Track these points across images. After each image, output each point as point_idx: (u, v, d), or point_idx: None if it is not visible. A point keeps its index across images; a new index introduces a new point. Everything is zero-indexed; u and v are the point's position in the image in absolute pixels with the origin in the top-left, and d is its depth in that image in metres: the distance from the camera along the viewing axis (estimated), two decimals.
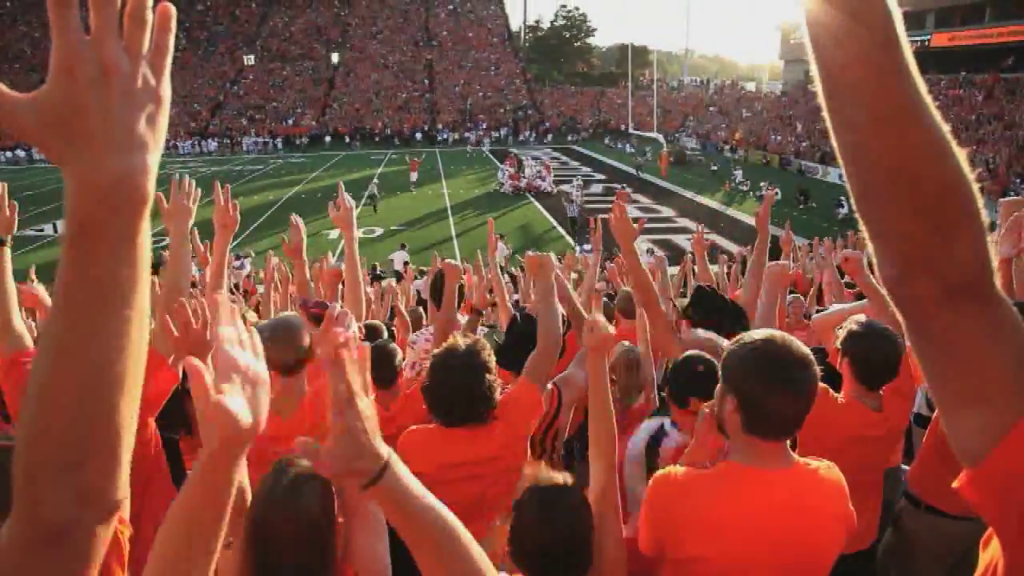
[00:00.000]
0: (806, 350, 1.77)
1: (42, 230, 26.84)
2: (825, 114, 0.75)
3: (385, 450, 1.00)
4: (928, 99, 0.72)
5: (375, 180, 34.54)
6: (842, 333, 2.76)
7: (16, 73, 65.96)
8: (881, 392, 2.75)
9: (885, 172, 0.73)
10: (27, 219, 28.95)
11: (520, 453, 2.58)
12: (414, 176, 33.42)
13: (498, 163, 36.08)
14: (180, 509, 0.99)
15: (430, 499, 1.05)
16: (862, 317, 2.81)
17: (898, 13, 0.69)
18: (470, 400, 2.43)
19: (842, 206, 26.54)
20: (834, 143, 0.76)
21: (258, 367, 0.95)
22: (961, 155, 0.74)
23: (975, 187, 0.75)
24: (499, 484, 2.46)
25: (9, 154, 53.46)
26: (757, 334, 1.82)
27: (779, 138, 45.46)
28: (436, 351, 2.54)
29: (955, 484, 0.86)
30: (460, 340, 2.53)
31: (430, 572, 1.09)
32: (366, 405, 0.97)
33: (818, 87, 0.75)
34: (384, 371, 3.10)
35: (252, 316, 5.35)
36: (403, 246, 19.63)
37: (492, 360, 2.51)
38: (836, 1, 0.68)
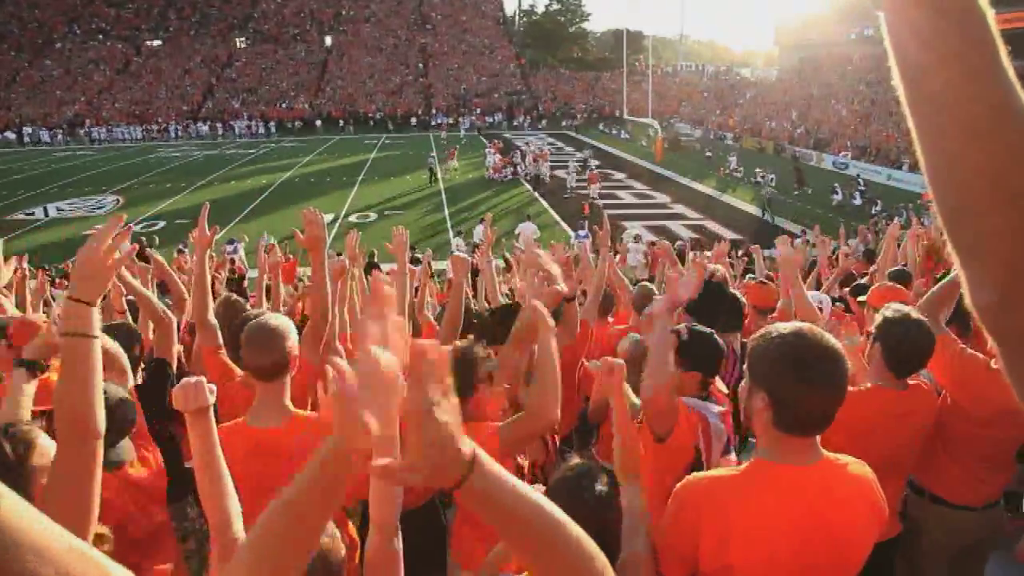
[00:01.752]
0: (836, 343, 1.73)
1: (32, 213, 26.64)
2: (910, 124, 0.68)
3: (469, 450, 0.90)
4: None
5: (432, 154, 35.32)
6: (877, 318, 2.75)
7: (4, 53, 65.20)
8: (908, 381, 2.75)
9: (986, 184, 0.64)
10: (17, 202, 28.73)
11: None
12: (453, 163, 33.44)
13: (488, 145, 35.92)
14: (285, 505, 0.99)
15: (523, 491, 0.96)
16: (897, 304, 2.79)
17: (989, 8, 0.64)
18: None
19: (837, 193, 26.57)
20: (920, 158, 0.68)
21: (395, 369, 0.90)
22: None
23: None
24: None
25: (0, 136, 52.97)
26: (784, 328, 1.76)
27: (773, 124, 45.41)
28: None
29: None
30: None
31: (536, 568, 1.01)
32: (446, 408, 0.87)
33: (901, 93, 0.69)
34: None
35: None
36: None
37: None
38: None
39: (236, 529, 1.71)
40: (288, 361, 2.51)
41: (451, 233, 22.11)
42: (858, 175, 29.29)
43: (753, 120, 48.31)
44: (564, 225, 22.69)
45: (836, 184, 27.74)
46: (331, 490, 0.98)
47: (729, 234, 21.30)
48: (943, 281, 2.94)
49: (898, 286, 4.53)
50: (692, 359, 2.60)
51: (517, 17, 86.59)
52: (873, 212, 23.12)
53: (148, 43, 69.04)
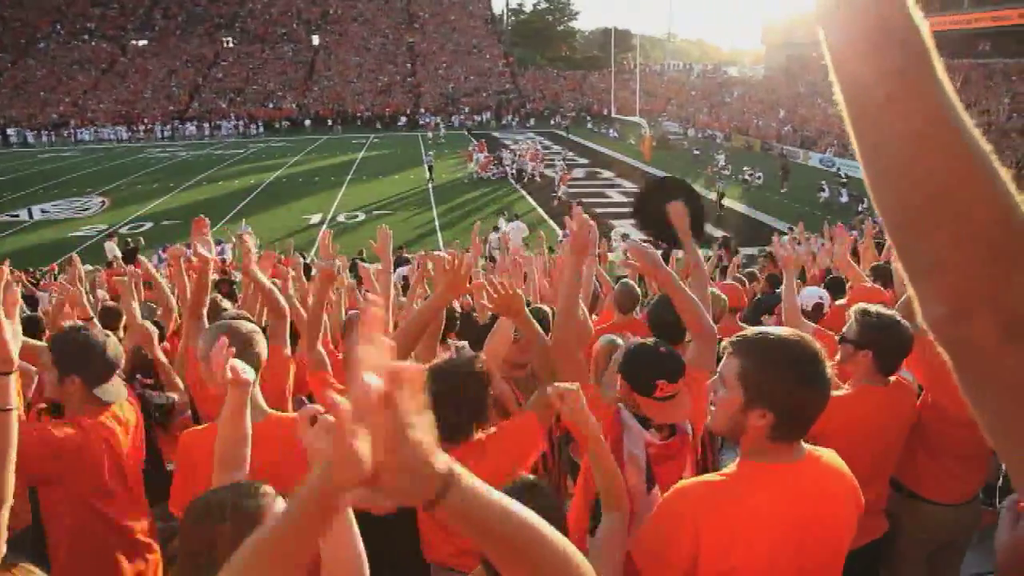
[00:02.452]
0: (816, 342, 1.76)
1: (17, 215, 26.42)
2: (853, 140, 0.68)
3: (444, 466, 0.86)
4: (965, 114, 0.65)
5: (430, 153, 36.13)
6: (856, 326, 2.77)
7: (5, 55, 64.59)
8: (890, 378, 2.82)
9: (928, 197, 0.63)
10: (2, 204, 28.51)
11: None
12: (471, 166, 33.15)
13: (475, 144, 35.95)
14: (265, 543, 0.97)
15: (507, 506, 0.92)
16: (874, 308, 2.82)
17: (924, 22, 0.64)
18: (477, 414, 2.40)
19: (823, 190, 26.72)
20: (864, 172, 0.68)
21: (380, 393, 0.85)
22: (1007, 175, 0.64)
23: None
24: None
25: None
26: (776, 342, 1.74)
27: (760, 123, 45.61)
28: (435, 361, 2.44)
29: None
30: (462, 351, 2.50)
31: None
32: (420, 426, 0.83)
33: (842, 108, 0.68)
34: None
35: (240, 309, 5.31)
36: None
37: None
38: (859, 10, 0.63)
39: None
40: (259, 364, 2.52)
41: (439, 232, 22.10)
42: (838, 169, 29.48)
43: (740, 118, 48.51)
44: (552, 223, 22.72)
45: (823, 181, 27.92)
46: (314, 527, 0.94)
47: (717, 232, 21.41)
48: None
49: (878, 287, 4.61)
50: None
51: (505, 16, 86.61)
52: (859, 209, 23.27)
53: (134, 43, 68.56)
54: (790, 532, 1.71)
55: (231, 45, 69.47)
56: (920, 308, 0.69)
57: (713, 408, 1.86)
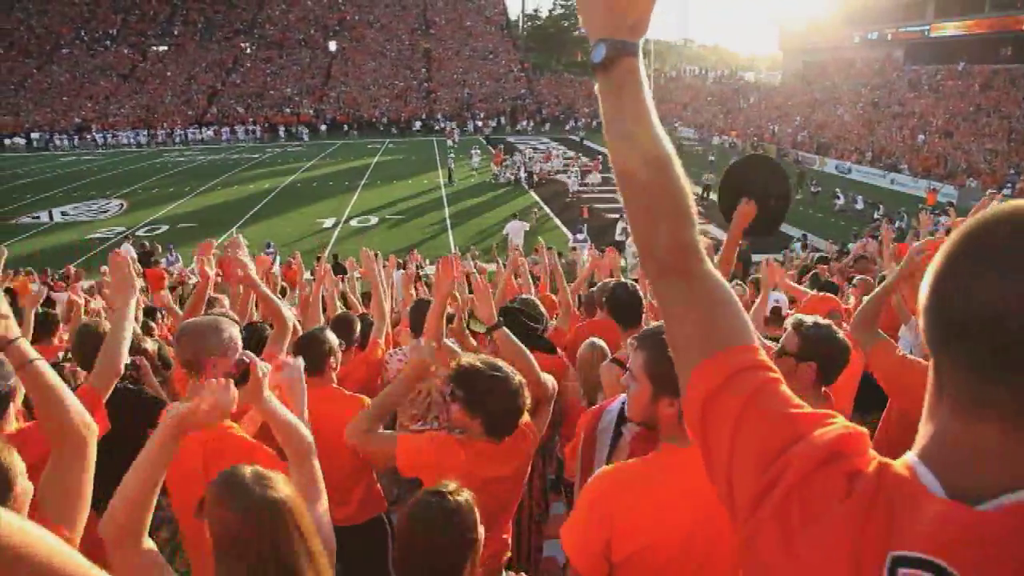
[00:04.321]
0: None
1: (38, 217, 26.83)
2: (618, 183, 1.04)
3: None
4: (662, 138, 1.00)
5: (451, 155, 36.63)
6: (796, 338, 2.74)
7: (13, 59, 65.61)
8: (825, 388, 2.79)
9: (629, 185, 1.02)
10: (24, 206, 28.94)
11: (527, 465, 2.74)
12: (496, 169, 33.15)
13: (492, 152, 36.06)
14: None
15: None
16: (808, 318, 2.81)
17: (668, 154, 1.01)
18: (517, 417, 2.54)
19: (839, 197, 26.56)
20: (620, 190, 1.05)
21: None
22: (678, 165, 1.02)
23: (683, 191, 1.01)
24: (516, 493, 2.69)
25: (8, 141, 53.33)
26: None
27: (776, 128, 45.40)
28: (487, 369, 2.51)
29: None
30: (501, 362, 2.58)
31: None
32: None
33: (617, 174, 1.03)
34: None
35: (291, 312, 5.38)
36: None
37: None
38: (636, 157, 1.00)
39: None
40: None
41: (451, 236, 22.20)
42: (811, 178, 29.09)
43: (756, 124, 48.30)
44: (564, 229, 22.75)
45: (837, 188, 27.74)
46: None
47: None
48: (875, 292, 2.99)
49: (829, 295, 4.80)
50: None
51: (521, 21, 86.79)
52: (876, 216, 23.11)
53: (154, 49, 69.38)
54: (704, 508, 1.70)
55: (249, 51, 70.13)
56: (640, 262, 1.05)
57: (628, 400, 2.00)
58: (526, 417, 2.59)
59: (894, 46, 47.82)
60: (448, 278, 3.16)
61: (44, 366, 1.83)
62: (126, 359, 2.60)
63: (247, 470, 1.66)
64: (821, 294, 5.30)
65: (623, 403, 2.65)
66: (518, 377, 2.51)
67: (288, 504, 1.62)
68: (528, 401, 2.52)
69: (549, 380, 3.01)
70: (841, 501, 0.82)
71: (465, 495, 1.88)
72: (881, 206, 24.55)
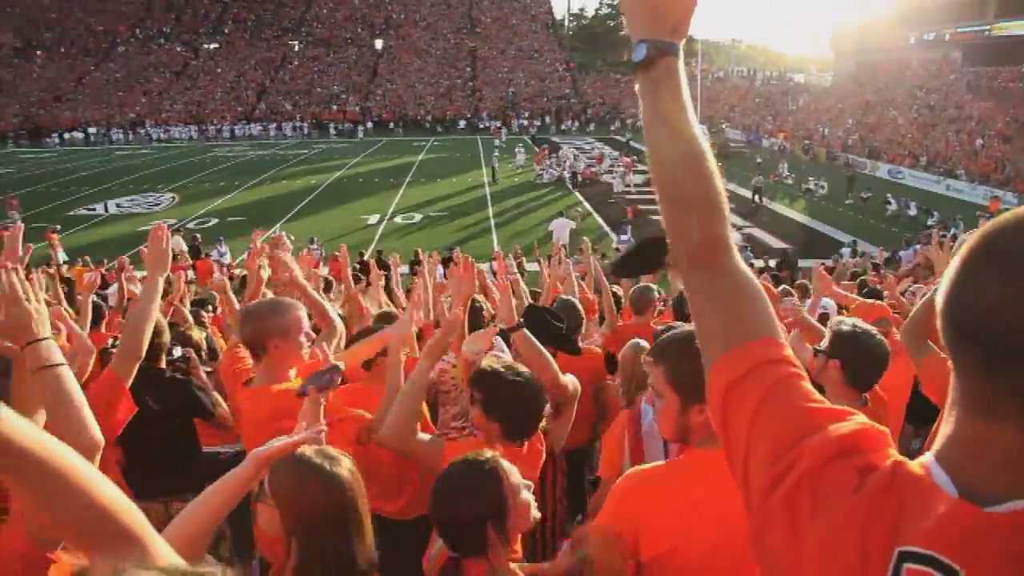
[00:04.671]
0: None
1: (93, 209, 27.60)
2: (652, 177, 1.07)
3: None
4: (698, 135, 1.04)
5: (495, 154, 36.90)
6: (827, 336, 2.81)
7: (73, 57, 67.70)
8: (866, 394, 2.79)
9: (663, 179, 1.06)
10: (81, 198, 29.80)
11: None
12: (539, 168, 33.22)
13: (536, 151, 36.03)
14: None
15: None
16: (849, 320, 2.86)
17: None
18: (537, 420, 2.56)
19: (891, 203, 25.88)
20: (654, 183, 1.08)
21: None
22: (712, 162, 1.04)
23: (715, 187, 1.04)
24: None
25: (67, 135, 55.05)
26: (686, 340, 1.80)
27: (827, 131, 44.48)
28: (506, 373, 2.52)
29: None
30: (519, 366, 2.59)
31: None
32: None
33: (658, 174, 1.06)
34: None
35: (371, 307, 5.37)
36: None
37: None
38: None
39: None
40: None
41: (494, 235, 22.21)
42: (862, 183, 28.43)
43: (805, 127, 47.39)
44: (607, 228, 22.60)
45: (888, 194, 27.04)
46: None
47: (775, 242, 20.97)
48: (923, 300, 2.98)
49: (878, 303, 4.71)
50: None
51: (567, 20, 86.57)
52: (929, 223, 22.45)
53: (206, 46, 70.92)
54: (735, 513, 1.67)
55: (297, 49, 71.20)
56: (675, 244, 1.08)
57: (657, 417, 1.97)
58: (544, 423, 2.60)
59: (951, 47, 46.47)
60: (468, 279, 3.20)
61: (64, 373, 1.75)
62: (167, 341, 2.66)
63: (313, 450, 1.78)
64: (870, 301, 5.20)
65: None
66: (538, 382, 2.52)
67: (356, 480, 1.78)
68: (547, 407, 2.54)
69: (571, 382, 3.01)
70: (851, 494, 0.84)
71: (501, 463, 1.94)
72: (935, 213, 23.83)
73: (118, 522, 1.08)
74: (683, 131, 1.04)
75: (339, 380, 2.28)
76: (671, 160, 1.04)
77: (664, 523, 1.78)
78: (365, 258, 13.93)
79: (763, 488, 0.92)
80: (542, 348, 2.93)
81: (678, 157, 1.03)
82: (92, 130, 56.13)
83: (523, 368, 2.57)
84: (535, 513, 1.94)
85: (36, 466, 1.01)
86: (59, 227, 21.45)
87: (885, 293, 6.00)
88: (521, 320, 3.02)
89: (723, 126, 52.87)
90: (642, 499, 1.84)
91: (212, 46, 71.06)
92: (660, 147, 1.05)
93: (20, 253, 2.45)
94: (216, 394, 3.66)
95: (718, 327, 1.03)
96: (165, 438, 3.38)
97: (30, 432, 1.01)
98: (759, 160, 37.96)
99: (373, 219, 25.00)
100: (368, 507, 1.80)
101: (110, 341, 4.10)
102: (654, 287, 5.42)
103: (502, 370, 2.48)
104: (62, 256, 17.61)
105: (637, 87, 1.08)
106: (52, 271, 9.80)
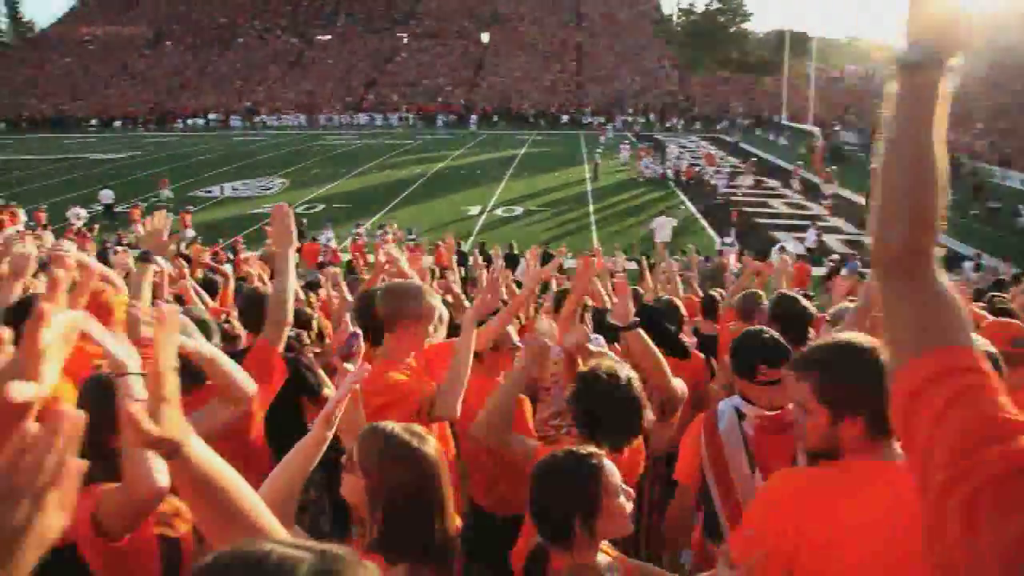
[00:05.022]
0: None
1: (210, 192, 29.06)
2: (879, 178, 1.11)
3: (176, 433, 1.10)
4: (939, 155, 1.06)
5: (599, 150, 37.25)
6: None
7: (197, 48, 71.65)
8: None
9: (887, 184, 1.10)
10: (200, 181, 31.44)
11: None
12: (640, 164, 32.97)
13: (640, 149, 35.43)
14: None
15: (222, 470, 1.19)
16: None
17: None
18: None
19: (1022, 215, 23.98)
20: (876, 185, 1.12)
21: None
22: (942, 182, 1.06)
23: (935, 205, 1.05)
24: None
25: (190, 121, 58.38)
26: (847, 345, 1.80)
27: (953, 136, 41.65)
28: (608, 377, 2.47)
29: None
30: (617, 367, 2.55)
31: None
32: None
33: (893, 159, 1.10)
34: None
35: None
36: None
37: None
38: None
39: None
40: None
41: (594, 231, 21.96)
42: (989, 192, 26.20)
43: None
44: (710, 230, 21.94)
45: (1019, 205, 25.07)
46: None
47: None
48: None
49: (1012, 320, 4.26)
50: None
51: (675, 16, 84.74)
52: None
53: (319, 38, 73.55)
54: (890, 531, 1.55)
55: (406, 41, 72.79)
56: (877, 241, 1.12)
57: (803, 433, 1.87)
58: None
59: None
60: (589, 276, 3.27)
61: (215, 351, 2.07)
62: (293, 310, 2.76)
63: (401, 427, 1.84)
64: (1003, 319, 4.71)
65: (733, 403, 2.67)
66: (640, 391, 2.48)
67: (441, 460, 1.83)
68: (651, 414, 2.55)
69: (679, 386, 3.02)
70: None
71: (604, 462, 1.93)
72: None
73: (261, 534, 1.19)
74: (927, 143, 1.05)
75: (360, 346, 2.38)
76: (904, 168, 1.06)
77: (827, 532, 1.65)
78: (462, 248, 14.01)
79: (940, 487, 0.92)
80: (656, 349, 2.91)
81: (909, 167, 1.05)
82: (212, 116, 59.23)
83: (625, 372, 2.50)
84: (629, 523, 1.92)
85: (216, 491, 1.15)
86: (192, 207, 22.69)
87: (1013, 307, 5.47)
88: (637, 319, 2.95)
89: (836, 128, 50.44)
90: (806, 502, 1.73)
91: (325, 38, 73.62)
92: (896, 153, 1.07)
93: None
94: (323, 374, 3.66)
95: (911, 332, 1.04)
96: (271, 415, 3.40)
97: (213, 459, 1.16)
98: (874, 165, 35.97)
99: (474, 210, 25.21)
100: (451, 488, 1.84)
101: (223, 315, 4.18)
102: (762, 293, 5.18)
103: (603, 375, 2.44)
104: (190, 234, 18.59)
105: (890, 85, 1.09)
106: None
